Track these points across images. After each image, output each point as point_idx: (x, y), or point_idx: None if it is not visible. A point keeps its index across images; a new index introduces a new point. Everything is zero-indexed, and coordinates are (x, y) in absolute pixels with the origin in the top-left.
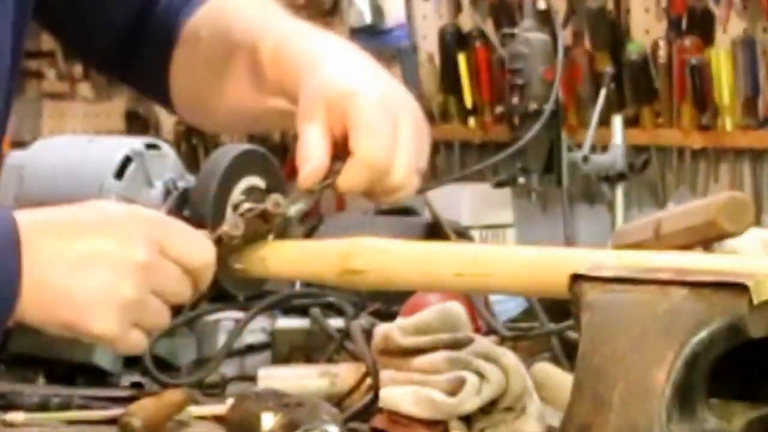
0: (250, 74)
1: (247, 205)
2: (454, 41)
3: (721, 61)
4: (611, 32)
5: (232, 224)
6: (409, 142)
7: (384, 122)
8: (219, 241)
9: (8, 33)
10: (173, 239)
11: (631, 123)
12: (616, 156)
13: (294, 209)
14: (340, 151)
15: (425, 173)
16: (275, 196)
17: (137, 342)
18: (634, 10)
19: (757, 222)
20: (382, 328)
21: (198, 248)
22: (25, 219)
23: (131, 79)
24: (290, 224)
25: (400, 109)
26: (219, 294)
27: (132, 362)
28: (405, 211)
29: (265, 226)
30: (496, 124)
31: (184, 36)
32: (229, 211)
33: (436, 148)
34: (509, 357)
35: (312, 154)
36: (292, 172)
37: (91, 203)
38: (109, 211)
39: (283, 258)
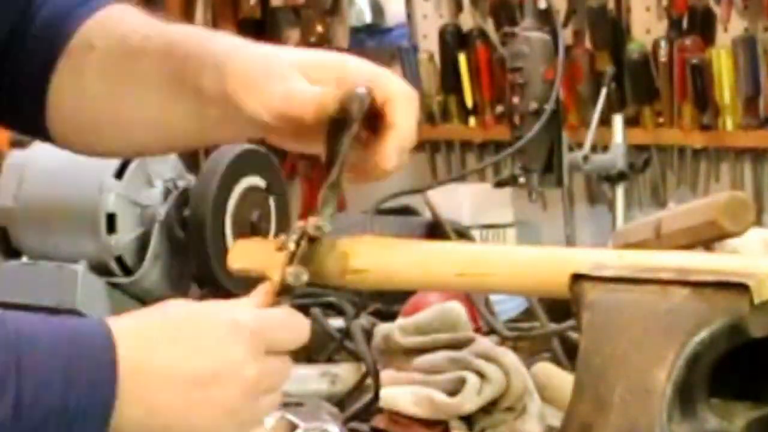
0: (167, 82)
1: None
2: (454, 41)
3: (721, 61)
4: (612, 31)
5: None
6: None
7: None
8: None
9: None
10: (276, 337)
11: (631, 122)
12: (616, 155)
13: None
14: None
15: (426, 173)
16: (312, 221)
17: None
18: (635, 10)
19: (758, 222)
20: (382, 328)
21: (298, 332)
22: (119, 328)
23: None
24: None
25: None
26: (220, 293)
27: None
28: (405, 211)
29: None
30: (496, 123)
31: (70, 49)
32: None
33: (436, 147)
34: (510, 357)
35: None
36: (293, 172)
37: (179, 307)
38: (207, 325)
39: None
